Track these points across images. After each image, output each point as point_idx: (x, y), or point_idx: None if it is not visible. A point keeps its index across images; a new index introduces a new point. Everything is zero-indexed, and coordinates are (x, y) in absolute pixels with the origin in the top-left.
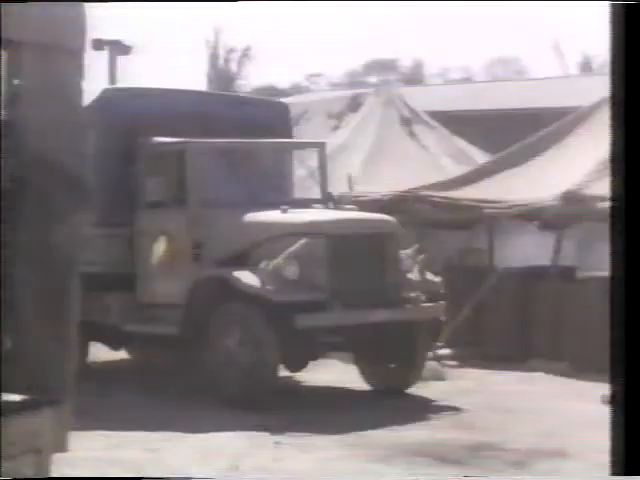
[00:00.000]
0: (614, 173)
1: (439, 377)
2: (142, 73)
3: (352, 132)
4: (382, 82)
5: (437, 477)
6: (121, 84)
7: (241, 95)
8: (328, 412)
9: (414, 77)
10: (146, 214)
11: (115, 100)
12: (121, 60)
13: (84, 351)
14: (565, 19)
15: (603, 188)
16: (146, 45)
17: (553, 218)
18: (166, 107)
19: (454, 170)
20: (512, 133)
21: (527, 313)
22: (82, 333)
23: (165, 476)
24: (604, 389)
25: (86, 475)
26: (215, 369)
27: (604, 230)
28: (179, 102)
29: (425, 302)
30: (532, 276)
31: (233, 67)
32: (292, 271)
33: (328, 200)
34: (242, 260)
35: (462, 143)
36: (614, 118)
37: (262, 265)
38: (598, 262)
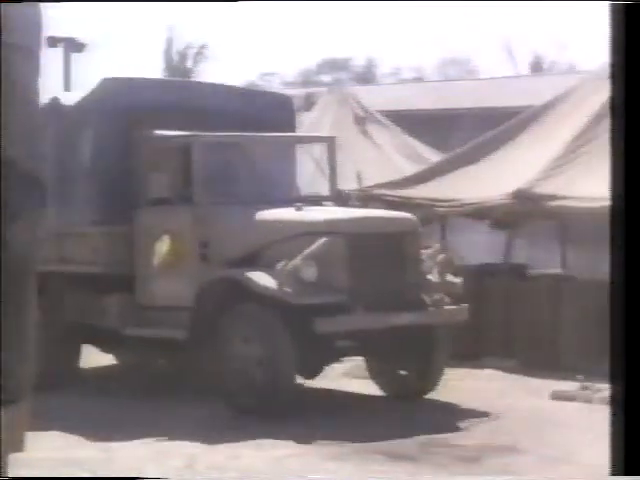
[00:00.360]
0: (614, 173)
1: None
2: (96, 70)
3: (306, 131)
4: (335, 81)
5: (390, 475)
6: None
7: (243, 87)
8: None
9: (367, 76)
10: (148, 212)
11: (114, 91)
12: (75, 57)
13: (75, 354)
14: (516, 19)
15: (553, 187)
16: (100, 42)
17: (504, 216)
18: (167, 99)
19: (407, 169)
20: (464, 132)
21: (479, 310)
22: (77, 336)
23: (164, 477)
24: (554, 386)
25: (43, 475)
26: (227, 375)
27: (554, 228)
28: (180, 94)
29: (448, 304)
30: (484, 274)
31: (188, 64)
32: (310, 272)
33: (338, 197)
34: (254, 260)
35: (415, 142)
36: (614, 119)
37: (279, 266)
38: (549, 260)
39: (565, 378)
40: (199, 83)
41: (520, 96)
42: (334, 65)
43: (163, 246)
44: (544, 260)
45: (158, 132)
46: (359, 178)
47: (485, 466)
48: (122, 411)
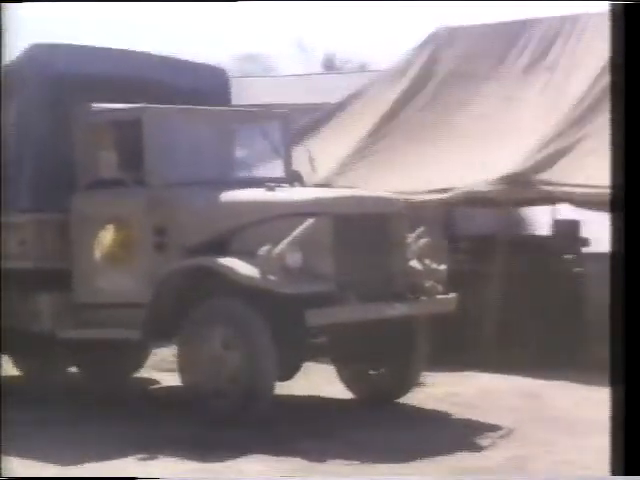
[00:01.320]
0: (614, 168)
1: None
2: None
3: None
4: None
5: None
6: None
7: (180, 58)
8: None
9: None
10: (88, 196)
11: (45, 58)
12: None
13: None
14: (310, 17)
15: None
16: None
17: None
18: (101, 68)
19: None
20: None
21: None
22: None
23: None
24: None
25: None
26: (196, 379)
27: None
28: (116, 62)
29: (440, 293)
30: None
31: None
32: (297, 258)
33: (294, 179)
34: (223, 248)
35: None
36: (614, 115)
37: (262, 252)
38: None
39: None
40: (134, 52)
41: (313, 94)
42: None
43: (108, 235)
44: None
45: (100, 104)
46: (311, 161)
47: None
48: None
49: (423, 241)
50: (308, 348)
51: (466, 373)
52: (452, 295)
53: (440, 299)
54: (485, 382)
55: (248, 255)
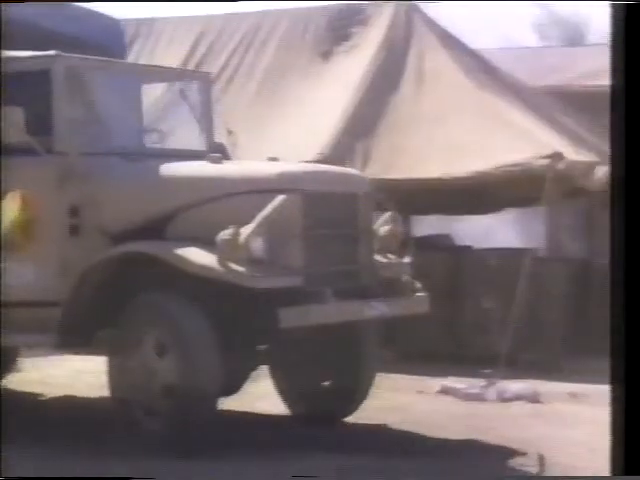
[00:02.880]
0: (613, 168)
1: None
2: None
3: None
4: None
5: None
6: None
7: (71, 4)
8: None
9: None
10: None
11: None
12: None
13: None
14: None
15: None
16: None
17: None
18: None
19: None
20: None
21: None
22: None
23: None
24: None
25: None
26: (126, 392)
27: None
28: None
29: (418, 291)
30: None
31: None
32: (264, 245)
33: (217, 153)
34: (155, 233)
35: None
36: (614, 115)
37: (224, 236)
38: None
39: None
40: None
41: None
42: None
43: (7, 216)
44: None
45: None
46: (230, 135)
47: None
48: None
49: (386, 228)
50: (258, 354)
51: None
52: (423, 294)
53: (418, 298)
54: None
55: (195, 242)
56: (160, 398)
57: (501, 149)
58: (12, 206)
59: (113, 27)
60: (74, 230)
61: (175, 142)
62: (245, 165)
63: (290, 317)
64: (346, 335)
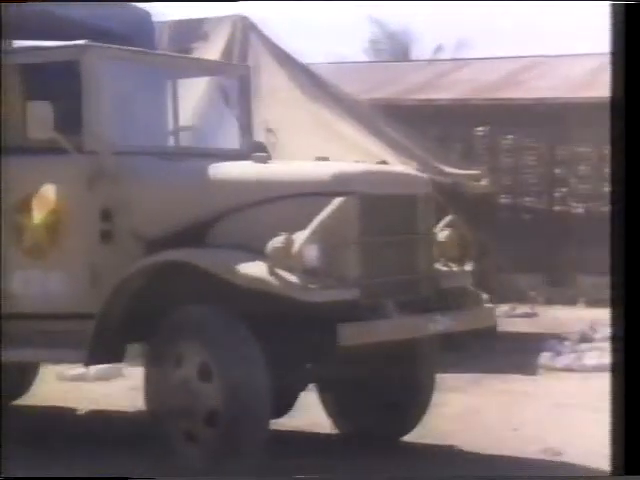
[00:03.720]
0: (613, 171)
1: None
2: None
3: None
4: None
5: None
6: None
7: None
8: None
9: None
10: (14, 165)
11: None
12: None
13: None
14: None
15: None
16: None
17: None
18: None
19: None
20: None
21: None
22: None
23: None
24: None
25: None
26: (161, 413)
27: None
28: None
29: (484, 302)
30: None
31: None
32: (320, 254)
33: (256, 152)
34: (195, 239)
35: None
36: (614, 117)
37: (276, 244)
38: None
39: None
40: None
41: None
42: None
43: (32, 221)
44: None
45: (19, 43)
46: (271, 133)
47: None
48: None
49: (446, 233)
50: (308, 371)
51: None
52: (490, 305)
53: (484, 309)
54: None
55: (241, 250)
56: (202, 424)
57: (335, 160)
58: (38, 209)
59: (144, 19)
60: (106, 235)
61: (212, 140)
62: (294, 165)
63: (350, 334)
64: (402, 349)
